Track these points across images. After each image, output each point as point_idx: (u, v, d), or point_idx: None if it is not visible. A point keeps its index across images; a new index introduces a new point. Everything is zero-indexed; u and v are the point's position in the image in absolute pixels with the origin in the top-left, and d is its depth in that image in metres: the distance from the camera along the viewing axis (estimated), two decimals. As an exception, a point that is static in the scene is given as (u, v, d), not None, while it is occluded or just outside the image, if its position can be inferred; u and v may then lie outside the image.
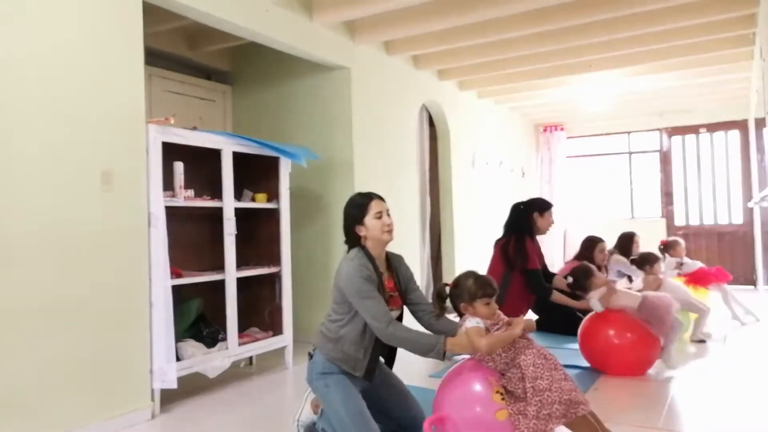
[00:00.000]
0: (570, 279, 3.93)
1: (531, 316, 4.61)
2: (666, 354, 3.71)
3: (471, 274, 2.43)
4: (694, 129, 8.35)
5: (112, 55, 3.04)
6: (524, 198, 4.67)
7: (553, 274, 4.44)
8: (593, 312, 3.84)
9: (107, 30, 3.02)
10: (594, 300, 3.78)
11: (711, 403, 3.17)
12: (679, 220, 8.45)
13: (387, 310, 2.36)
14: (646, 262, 4.58)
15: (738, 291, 7.36)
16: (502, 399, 2.22)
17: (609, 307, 3.74)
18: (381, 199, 2.55)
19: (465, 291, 2.36)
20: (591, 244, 5.15)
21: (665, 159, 8.56)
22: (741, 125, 7.94)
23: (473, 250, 6.65)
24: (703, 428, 2.81)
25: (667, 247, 5.65)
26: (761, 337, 4.77)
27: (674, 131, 8.49)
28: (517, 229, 4.19)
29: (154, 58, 4.55)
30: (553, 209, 4.27)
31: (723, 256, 8.04)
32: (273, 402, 3.45)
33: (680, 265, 5.53)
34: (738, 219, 8.09)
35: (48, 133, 2.74)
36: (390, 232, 2.50)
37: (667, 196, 8.52)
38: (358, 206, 2.52)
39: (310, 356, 2.56)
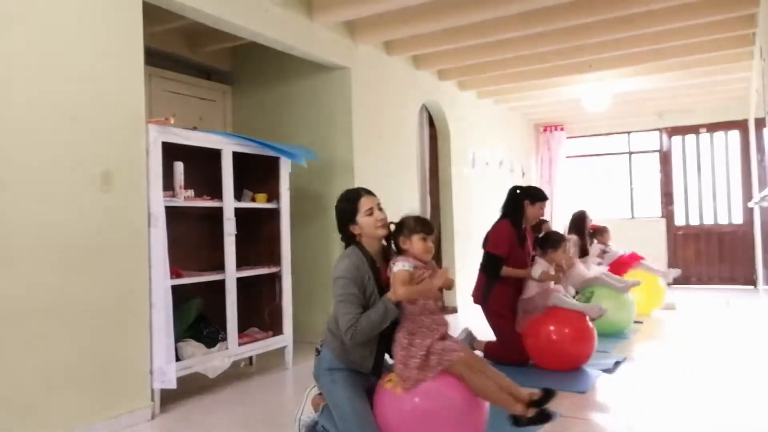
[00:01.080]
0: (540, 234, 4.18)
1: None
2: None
3: (412, 215, 2.53)
4: (694, 129, 8.35)
5: (112, 55, 3.04)
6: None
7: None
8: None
9: (107, 30, 3.02)
10: (538, 266, 3.94)
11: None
12: (679, 220, 8.45)
13: (353, 316, 2.33)
14: (557, 243, 4.65)
15: (738, 291, 7.40)
16: (389, 381, 2.38)
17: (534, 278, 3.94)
18: (370, 193, 2.55)
19: (405, 226, 2.46)
20: (581, 218, 5.58)
21: (665, 159, 8.56)
22: (741, 125, 7.94)
23: (473, 250, 6.64)
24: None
25: (595, 233, 5.96)
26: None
27: (674, 131, 8.49)
28: (505, 212, 4.24)
29: (154, 58, 4.55)
30: (545, 203, 4.29)
31: (723, 256, 8.04)
32: (273, 402, 3.45)
33: (603, 252, 5.91)
34: (738, 219, 8.09)
35: (48, 133, 2.74)
36: (384, 226, 2.50)
37: (667, 196, 8.52)
38: (348, 204, 2.52)
39: (318, 352, 2.56)
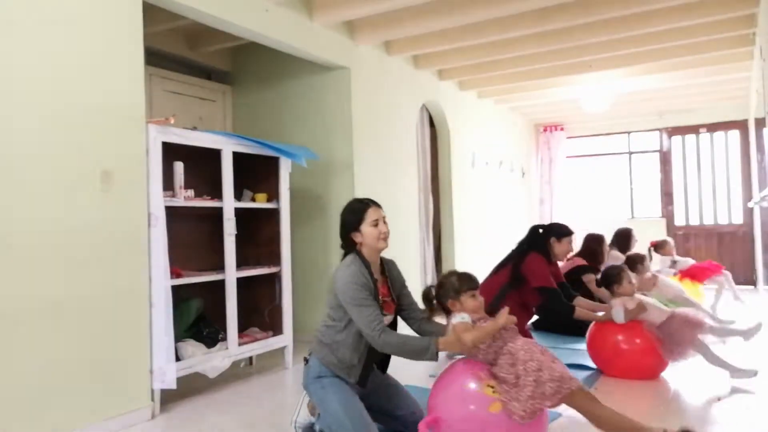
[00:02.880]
0: (599, 276, 3.84)
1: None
2: (731, 371, 3.46)
3: (452, 272, 2.51)
4: (694, 129, 8.35)
5: (112, 55, 3.04)
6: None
7: (575, 294, 4.24)
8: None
9: (107, 30, 3.02)
10: (617, 309, 3.59)
11: (710, 402, 3.17)
12: (679, 220, 8.45)
13: (380, 318, 2.36)
14: (635, 262, 4.59)
15: (738, 291, 7.37)
16: (494, 392, 2.25)
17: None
18: (378, 206, 2.58)
19: (450, 288, 2.45)
20: (597, 241, 5.12)
21: (665, 159, 8.57)
22: (741, 125, 7.94)
23: (473, 250, 6.66)
24: (702, 427, 2.81)
25: (657, 248, 5.78)
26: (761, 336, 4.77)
27: (674, 131, 8.50)
28: (532, 249, 4.13)
29: (154, 58, 4.55)
30: (572, 237, 4.12)
31: (723, 256, 8.04)
32: (273, 402, 3.45)
33: (674, 263, 5.65)
34: (738, 219, 8.09)
35: (48, 133, 2.74)
36: (385, 239, 2.53)
37: (667, 196, 8.52)
38: (355, 213, 2.54)
39: (306, 361, 2.57)
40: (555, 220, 8.20)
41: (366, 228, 2.50)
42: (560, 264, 4.53)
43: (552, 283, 3.97)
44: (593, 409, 2.22)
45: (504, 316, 2.36)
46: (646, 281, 4.37)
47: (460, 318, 2.35)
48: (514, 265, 4.09)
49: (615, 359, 3.63)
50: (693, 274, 5.43)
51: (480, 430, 2.23)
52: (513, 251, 4.26)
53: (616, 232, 5.71)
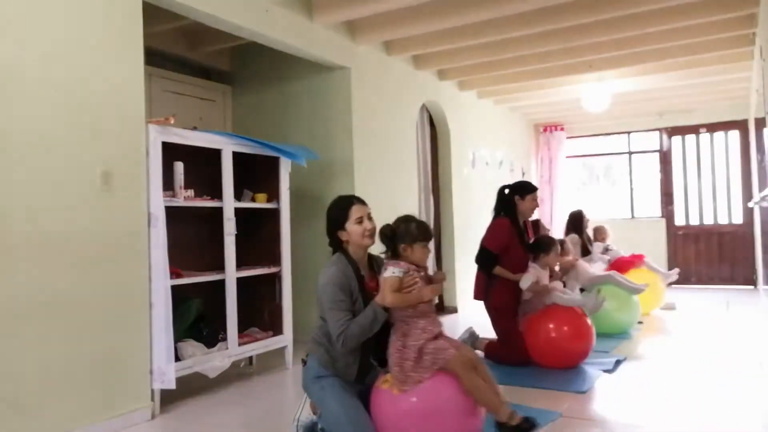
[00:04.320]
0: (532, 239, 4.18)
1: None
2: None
3: (410, 218, 2.52)
4: (694, 129, 8.35)
5: (112, 55, 3.04)
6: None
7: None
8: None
9: (107, 30, 3.02)
10: (528, 275, 3.89)
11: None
12: (679, 220, 8.45)
13: (343, 322, 2.36)
14: (561, 244, 4.71)
15: (738, 291, 7.39)
16: (385, 381, 2.39)
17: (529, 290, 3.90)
18: (362, 202, 2.58)
19: (407, 234, 2.46)
20: (578, 216, 5.65)
21: (665, 159, 8.56)
22: (741, 125, 7.94)
23: (473, 250, 6.64)
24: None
25: (595, 233, 6.08)
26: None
27: (674, 131, 8.49)
28: (498, 211, 4.23)
29: (154, 58, 4.55)
30: (536, 193, 4.27)
31: (723, 256, 8.04)
32: (273, 402, 3.45)
33: (606, 250, 5.98)
34: (738, 219, 8.09)
35: (48, 133, 2.74)
36: (371, 236, 2.53)
37: (667, 196, 8.51)
38: (339, 211, 2.55)
39: (304, 363, 2.58)
40: (555, 220, 8.18)
41: (350, 226, 2.51)
42: None
43: (492, 246, 4.09)
44: (467, 378, 2.28)
45: (433, 291, 2.43)
46: (566, 263, 4.76)
47: (391, 272, 2.39)
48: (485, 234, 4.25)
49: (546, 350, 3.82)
50: (618, 266, 5.69)
51: (383, 413, 2.36)
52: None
53: (570, 214, 5.91)
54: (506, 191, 4.25)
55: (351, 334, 2.35)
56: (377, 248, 2.60)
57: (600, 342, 4.13)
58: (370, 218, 2.55)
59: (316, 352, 2.51)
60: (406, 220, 2.50)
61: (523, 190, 4.22)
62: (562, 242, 4.80)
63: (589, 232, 5.96)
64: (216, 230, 3.75)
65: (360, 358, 2.48)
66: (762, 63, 4.41)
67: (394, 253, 2.49)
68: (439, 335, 2.43)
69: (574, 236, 5.57)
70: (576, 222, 5.73)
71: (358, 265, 2.51)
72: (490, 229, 4.20)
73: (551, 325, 3.81)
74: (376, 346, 2.49)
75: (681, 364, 3.96)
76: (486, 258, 4.10)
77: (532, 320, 3.90)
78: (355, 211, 2.52)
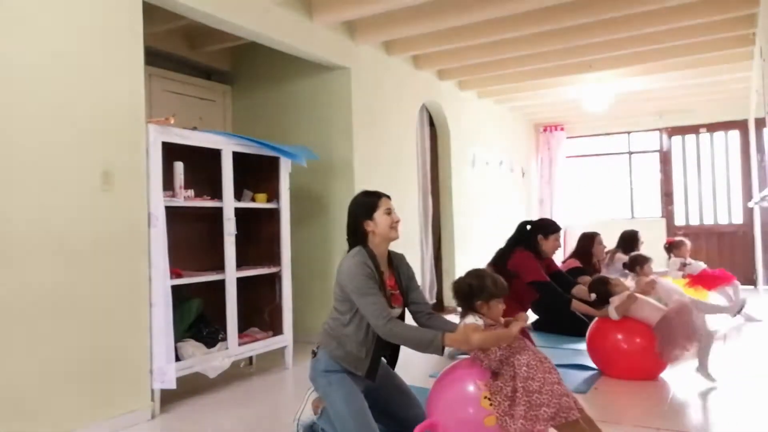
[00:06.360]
0: (593, 296, 3.78)
1: (531, 316, 4.61)
2: (701, 367, 3.45)
3: (487, 274, 2.45)
4: (694, 129, 8.35)
5: (112, 55, 3.04)
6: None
7: (575, 283, 4.26)
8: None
9: (107, 30, 3.02)
10: (611, 307, 3.62)
11: (711, 402, 3.17)
12: (679, 220, 8.45)
13: (386, 307, 2.36)
14: (635, 263, 4.57)
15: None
16: (490, 404, 2.21)
17: (627, 316, 3.58)
18: (389, 197, 2.60)
19: (485, 290, 2.39)
20: (589, 239, 5.20)
21: (665, 159, 8.57)
22: (741, 125, 7.94)
23: (473, 250, 6.66)
24: (702, 427, 2.81)
25: (671, 247, 5.66)
26: (760, 336, 4.78)
27: (674, 131, 8.50)
28: (516, 243, 4.15)
29: (154, 58, 4.55)
30: (560, 233, 4.15)
31: (723, 256, 8.04)
32: (273, 402, 3.45)
33: (684, 265, 5.50)
34: (738, 219, 8.09)
35: (48, 133, 2.74)
36: (397, 229, 2.55)
37: (667, 196, 8.52)
38: (368, 202, 2.54)
39: (314, 354, 2.56)
40: (557, 220, 8.18)
41: (380, 216, 2.51)
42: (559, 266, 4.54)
43: (544, 276, 3.96)
44: None
45: (518, 325, 2.30)
46: (645, 285, 4.18)
47: (473, 319, 2.33)
48: (503, 262, 4.10)
49: (614, 359, 3.63)
50: (702, 281, 5.24)
51: None
52: (502, 248, 4.28)
53: (622, 234, 5.66)
54: (528, 227, 4.14)
55: (399, 333, 2.32)
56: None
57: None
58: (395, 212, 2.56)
59: (328, 345, 2.48)
60: (479, 275, 2.44)
61: (547, 229, 4.12)
62: (643, 260, 4.53)
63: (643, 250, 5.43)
64: (216, 230, 3.74)
65: (373, 354, 2.46)
66: (762, 63, 4.41)
67: (465, 310, 2.43)
68: (556, 377, 2.22)
69: (621, 255, 5.31)
70: (628, 242, 5.47)
71: (377, 261, 2.50)
72: (522, 265, 3.98)
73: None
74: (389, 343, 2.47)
75: (681, 364, 3.95)
76: (553, 291, 3.87)
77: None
78: (385, 202, 2.54)
